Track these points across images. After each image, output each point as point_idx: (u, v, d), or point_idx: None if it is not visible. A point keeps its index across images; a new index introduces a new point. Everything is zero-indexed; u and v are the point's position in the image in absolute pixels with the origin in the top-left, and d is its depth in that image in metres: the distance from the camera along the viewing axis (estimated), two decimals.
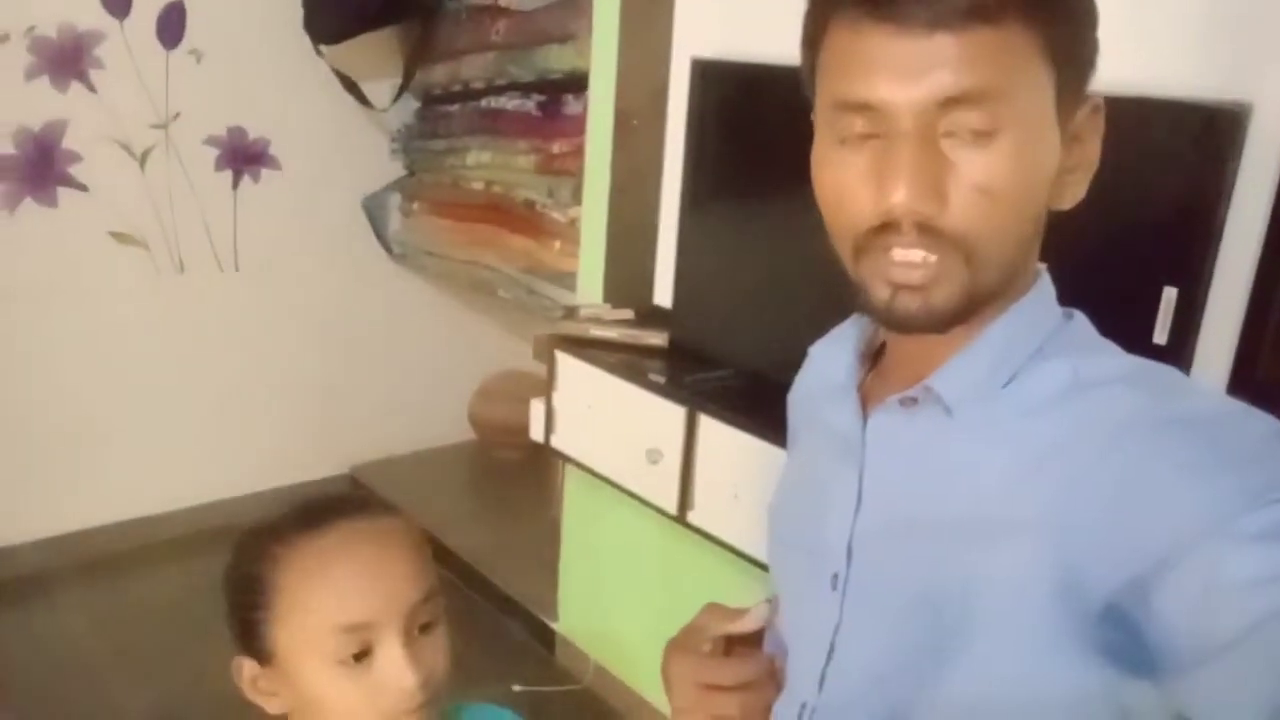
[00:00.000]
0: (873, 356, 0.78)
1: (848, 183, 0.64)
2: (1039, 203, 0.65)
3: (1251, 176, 1.28)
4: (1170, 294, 1.32)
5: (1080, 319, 0.72)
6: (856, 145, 0.63)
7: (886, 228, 0.62)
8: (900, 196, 0.60)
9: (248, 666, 0.83)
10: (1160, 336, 1.34)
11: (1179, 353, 1.32)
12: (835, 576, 0.73)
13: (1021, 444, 0.65)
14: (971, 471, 0.67)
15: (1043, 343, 0.68)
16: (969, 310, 0.65)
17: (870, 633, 0.71)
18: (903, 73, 0.60)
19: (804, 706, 0.76)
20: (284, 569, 0.79)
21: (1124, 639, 0.59)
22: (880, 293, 0.65)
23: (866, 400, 0.75)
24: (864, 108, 0.62)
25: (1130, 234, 1.31)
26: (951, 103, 0.59)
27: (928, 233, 0.61)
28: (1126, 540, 0.58)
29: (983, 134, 0.60)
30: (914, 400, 0.70)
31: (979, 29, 0.58)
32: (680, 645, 0.80)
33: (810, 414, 0.82)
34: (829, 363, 0.79)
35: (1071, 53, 0.63)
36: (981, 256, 0.62)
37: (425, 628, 0.81)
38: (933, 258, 0.62)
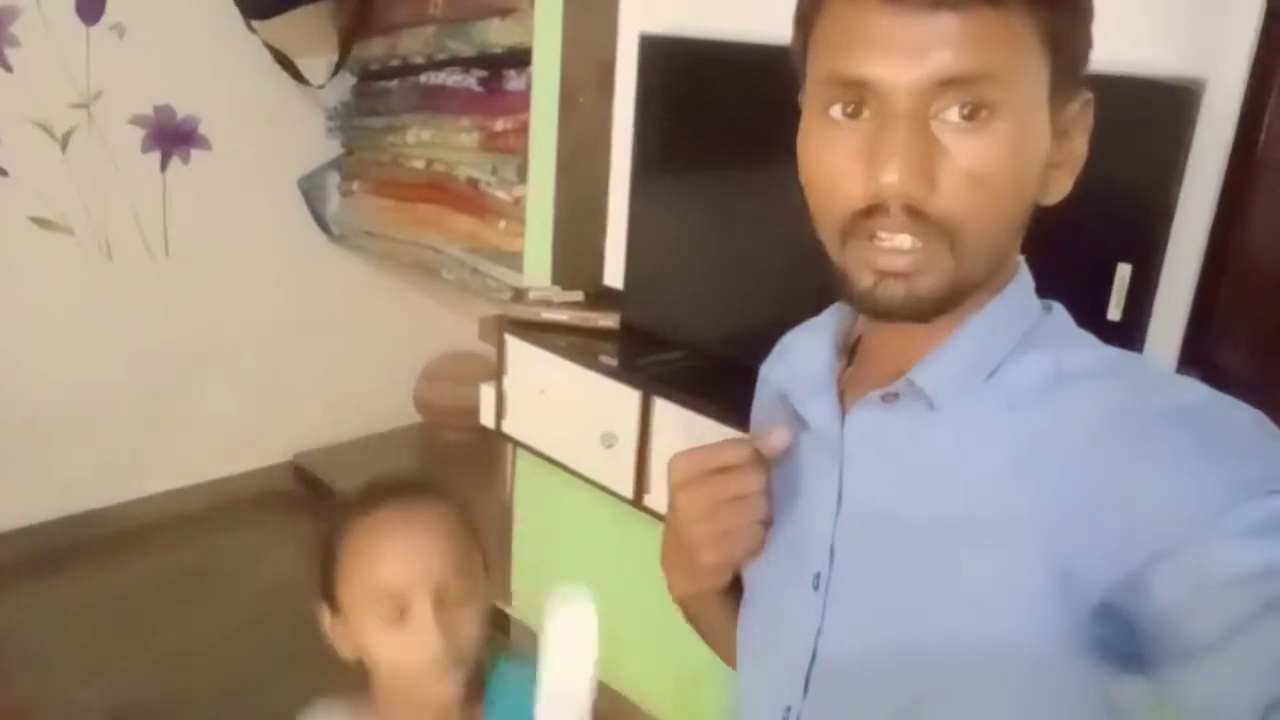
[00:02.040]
0: (850, 349, 0.77)
1: (836, 162, 0.62)
2: (1027, 193, 0.63)
3: (1203, 153, 1.29)
4: (1124, 271, 1.33)
5: (1059, 310, 0.71)
6: (847, 124, 0.61)
7: (874, 211, 0.60)
8: (891, 178, 0.58)
9: (326, 612, 0.98)
10: (1114, 313, 1.34)
11: (1132, 330, 1.33)
12: (817, 576, 0.72)
13: (1006, 438, 0.64)
14: (956, 467, 0.66)
15: (1024, 335, 0.67)
16: (953, 300, 0.64)
17: (855, 634, 0.70)
18: (903, 51, 0.57)
19: (789, 710, 0.74)
20: (346, 539, 0.95)
21: (1117, 636, 0.58)
22: (864, 279, 0.63)
23: (843, 394, 0.73)
24: (859, 85, 0.60)
25: (1084, 211, 1.31)
26: (949, 84, 0.58)
27: (916, 217, 0.60)
28: (1118, 536, 0.57)
29: (977, 118, 0.58)
30: (895, 395, 0.68)
31: (981, 10, 0.57)
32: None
33: (783, 405, 0.80)
34: (805, 354, 0.77)
35: (1068, 42, 0.61)
36: (968, 244, 0.61)
37: (459, 605, 0.92)
38: (919, 244, 0.60)
